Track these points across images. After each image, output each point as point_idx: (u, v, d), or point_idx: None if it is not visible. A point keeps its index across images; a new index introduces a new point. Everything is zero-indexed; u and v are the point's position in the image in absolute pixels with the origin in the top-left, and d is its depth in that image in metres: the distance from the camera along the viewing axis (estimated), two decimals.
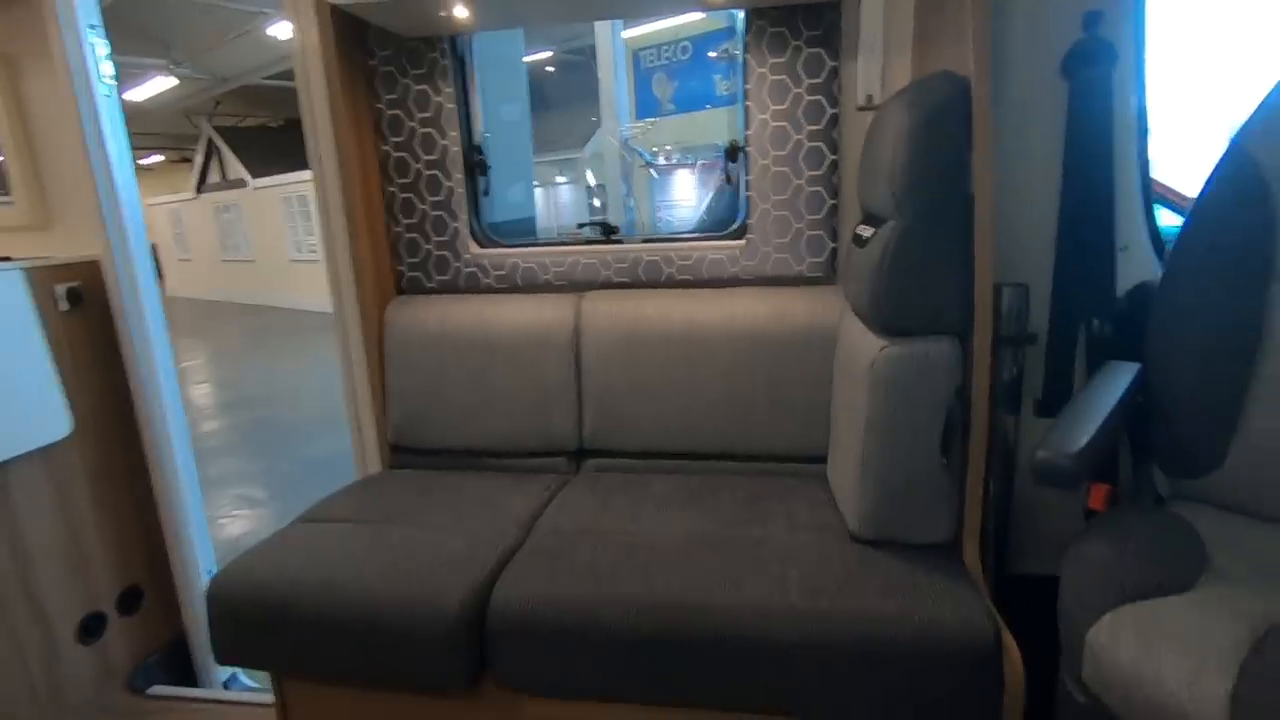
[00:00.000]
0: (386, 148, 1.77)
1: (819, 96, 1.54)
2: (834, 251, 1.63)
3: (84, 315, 1.79)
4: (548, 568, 1.22)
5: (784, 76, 1.55)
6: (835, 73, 1.53)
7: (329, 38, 1.59)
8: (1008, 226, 1.35)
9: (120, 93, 1.84)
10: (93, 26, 1.74)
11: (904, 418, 1.16)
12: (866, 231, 1.23)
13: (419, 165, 1.76)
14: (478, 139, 1.81)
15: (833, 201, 1.59)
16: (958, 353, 1.15)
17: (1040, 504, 1.47)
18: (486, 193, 1.84)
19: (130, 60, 8.35)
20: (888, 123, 1.15)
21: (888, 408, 1.16)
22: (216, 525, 3.47)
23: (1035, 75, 1.33)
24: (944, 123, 1.09)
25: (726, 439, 1.61)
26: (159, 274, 14.68)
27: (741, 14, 1.58)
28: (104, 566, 1.84)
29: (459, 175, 1.76)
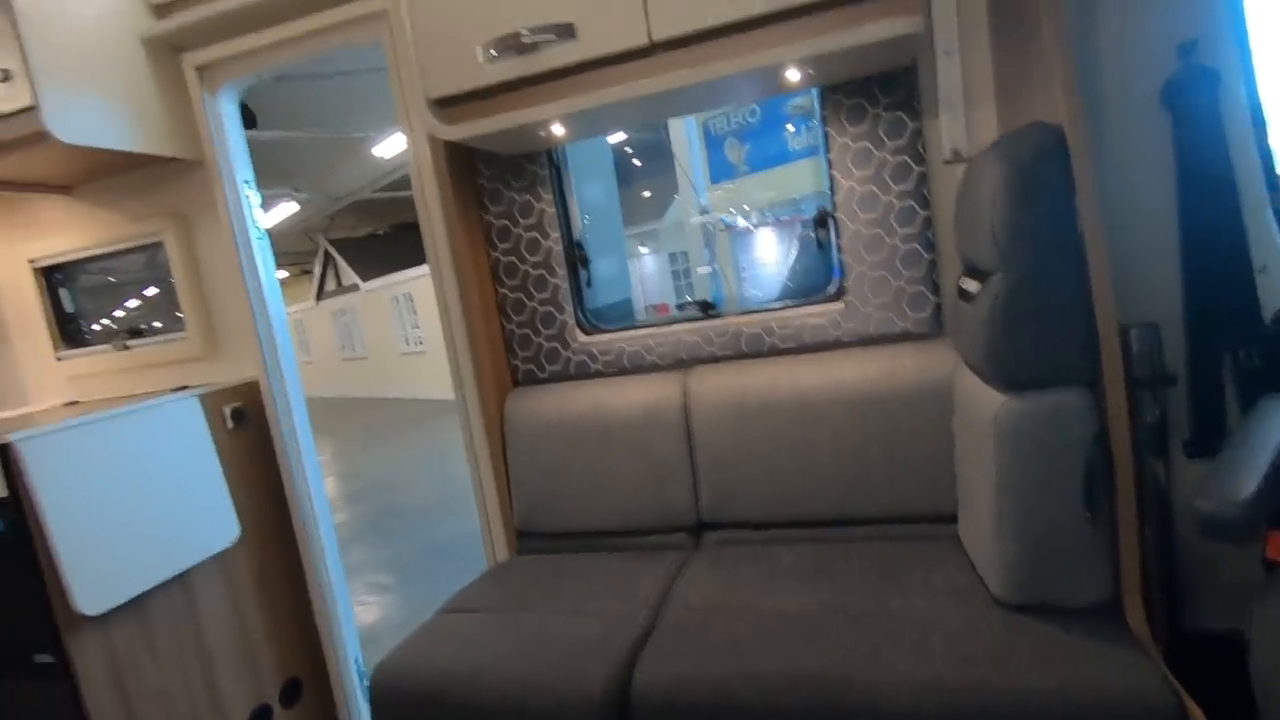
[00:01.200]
0: (496, 254, 1.93)
1: (904, 157, 1.57)
2: (938, 306, 1.62)
3: (246, 431, 2.02)
4: (684, 647, 1.23)
5: (866, 143, 1.59)
6: (918, 132, 1.55)
7: (442, 165, 1.78)
8: (1126, 267, 1.30)
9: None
10: (247, 182, 2.02)
11: (1037, 472, 1.12)
12: (972, 286, 1.23)
13: (526, 267, 1.91)
14: (577, 235, 1.95)
15: (930, 256, 1.59)
16: (1087, 401, 1.10)
17: (1210, 551, 1.35)
18: (589, 284, 1.96)
19: (261, 193, 9.48)
20: (983, 177, 1.16)
21: (1017, 462, 1.12)
22: (359, 612, 3.67)
23: (1133, 111, 1.31)
24: (1040, 173, 1.09)
25: (846, 504, 1.59)
26: None
27: (815, 91, 1.64)
28: (268, 661, 2.00)
29: (562, 271, 1.89)
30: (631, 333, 1.88)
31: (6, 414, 2.15)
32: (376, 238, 15.39)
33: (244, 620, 1.93)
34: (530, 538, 1.87)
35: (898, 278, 1.62)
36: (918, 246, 1.60)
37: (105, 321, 2.31)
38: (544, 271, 1.90)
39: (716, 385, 1.71)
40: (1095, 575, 1.14)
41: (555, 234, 1.87)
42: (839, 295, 1.70)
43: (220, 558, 1.87)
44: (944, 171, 1.57)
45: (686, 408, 1.72)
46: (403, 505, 5.82)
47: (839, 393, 1.59)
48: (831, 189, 1.66)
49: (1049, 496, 1.12)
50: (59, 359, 2.25)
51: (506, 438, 1.88)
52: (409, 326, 12.88)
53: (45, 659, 1.52)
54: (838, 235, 1.67)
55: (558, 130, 1.60)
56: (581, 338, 1.91)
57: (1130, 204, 1.32)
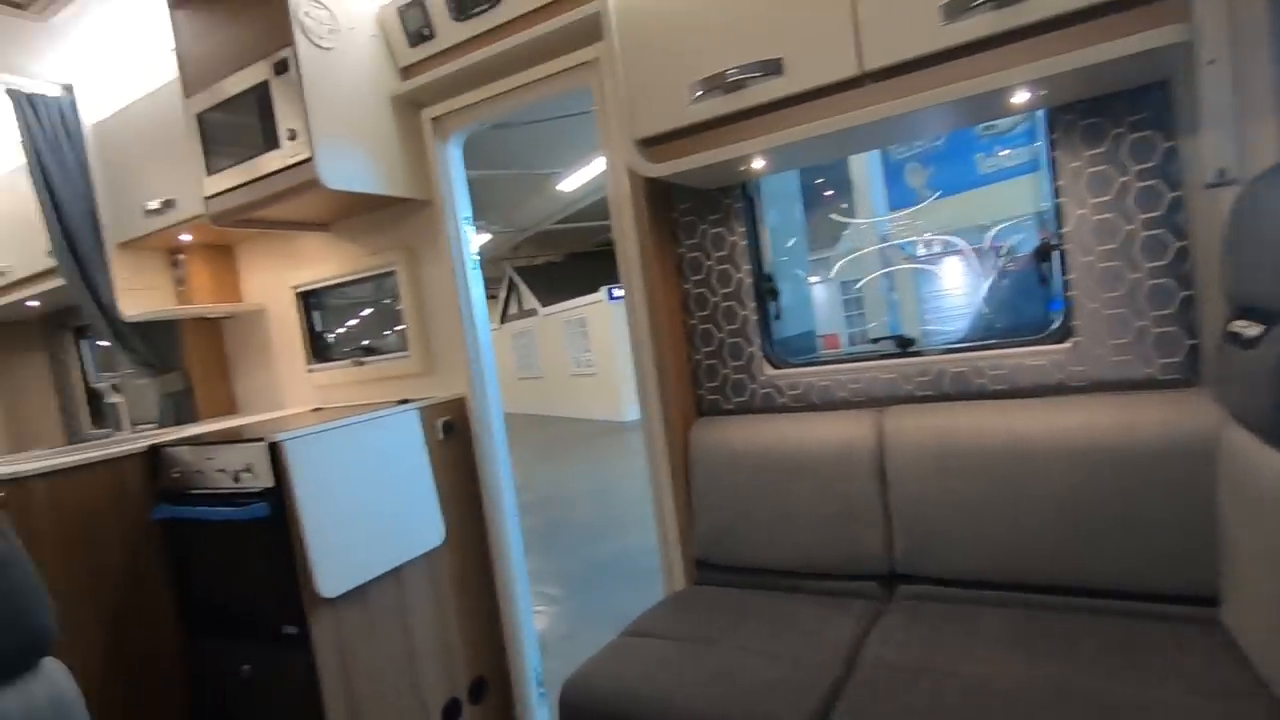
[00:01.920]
0: (687, 286, 1.97)
1: (1153, 181, 1.39)
2: (1193, 349, 1.40)
3: (453, 443, 2.21)
4: (885, 707, 1.15)
5: (1105, 167, 1.43)
6: (1172, 152, 1.37)
7: (640, 199, 1.86)
8: None
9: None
10: (466, 219, 2.25)
11: None
12: (1251, 329, 1.05)
13: (716, 298, 1.93)
14: (767, 268, 1.94)
15: (1186, 293, 1.39)
16: None
17: None
18: (778, 317, 1.94)
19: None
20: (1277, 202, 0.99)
21: None
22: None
23: None
24: None
25: (1068, 570, 1.41)
26: None
27: (1042, 112, 1.51)
28: (461, 658, 2.15)
29: (752, 304, 1.88)
30: (821, 367, 1.82)
31: (269, 416, 2.55)
32: (554, 265, 16.43)
33: (443, 617, 2.10)
34: (710, 569, 1.86)
35: (1141, 317, 1.43)
36: (1169, 281, 1.40)
37: (345, 340, 2.67)
38: (734, 303, 1.91)
39: (916, 427, 1.60)
40: None
41: (746, 266, 1.88)
42: (1065, 335, 1.53)
43: (427, 557, 2.06)
44: (1205, 197, 1.36)
45: (881, 449, 1.63)
46: (571, 519, 6.08)
47: (1062, 444, 1.42)
48: (1058, 218, 1.50)
49: None
50: (309, 371, 2.63)
51: (690, 467, 1.89)
52: (580, 350, 13.56)
53: (291, 630, 1.75)
54: (1064, 268, 1.51)
55: (758, 164, 1.61)
56: (769, 370, 1.89)
57: None
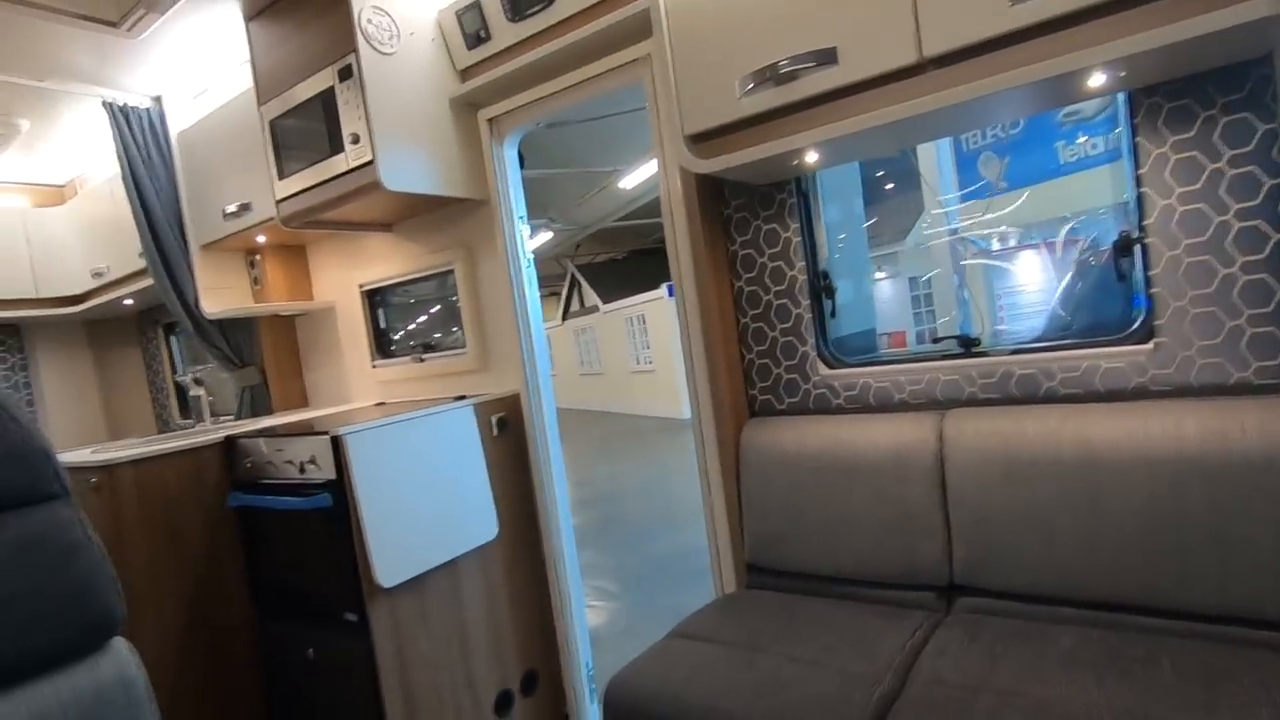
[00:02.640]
0: (740, 283, 1.93)
1: (1250, 168, 1.27)
2: None
3: (507, 439, 2.25)
4: None
5: (1194, 153, 1.32)
6: (1272, 136, 1.25)
7: (692, 196, 1.84)
8: None
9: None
10: (521, 218, 2.27)
11: None
12: None
13: (769, 296, 1.89)
14: (823, 265, 1.88)
15: None
16: None
17: None
18: (834, 315, 1.88)
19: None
20: None
21: None
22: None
23: None
24: None
25: (1147, 589, 1.31)
26: None
27: (1123, 96, 1.41)
28: (513, 651, 2.19)
29: (806, 302, 1.83)
30: (878, 368, 1.76)
31: (335, 410, 2.65)
32: (615, 262, 16.54)
33: (496, 610, 2.14)
34: (760, 572, 1.83)
35: (1234, 315, 1.31)
36: (1266, 277, 1.28)
37: (408, 337, 2.75)
38: (787, 301, 1.86)
39: (980, 431, 1.52)
40: None
41: (800, 263, 1.83)
42: (1146, 335, 1.42)
43: (482, 551, 2.10)
44: None
45: (942, 454, 1.56)
46: (628, 515, 6.10)
47: (1144, 453, 1.32)
48: (1140, 209, 1.40)
49: None
50: (374, 366, 2.72)
51: (741, 468, 1.86)
52: (640, 347, 13.59)
53: (351, 617, 1.81)
54: (1146, 263, 1.40)
55: (812, 158, 1.56)
56: (823, 370, 1.84)
57: None
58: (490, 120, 2.21)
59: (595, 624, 3.78)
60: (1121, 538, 1.33)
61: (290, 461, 1.92)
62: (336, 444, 1.77)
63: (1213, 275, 1.32)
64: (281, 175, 2.17)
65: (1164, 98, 1.34)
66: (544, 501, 2.28)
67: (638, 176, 8.54)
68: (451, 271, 2.41)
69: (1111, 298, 1.53)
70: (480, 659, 2.08)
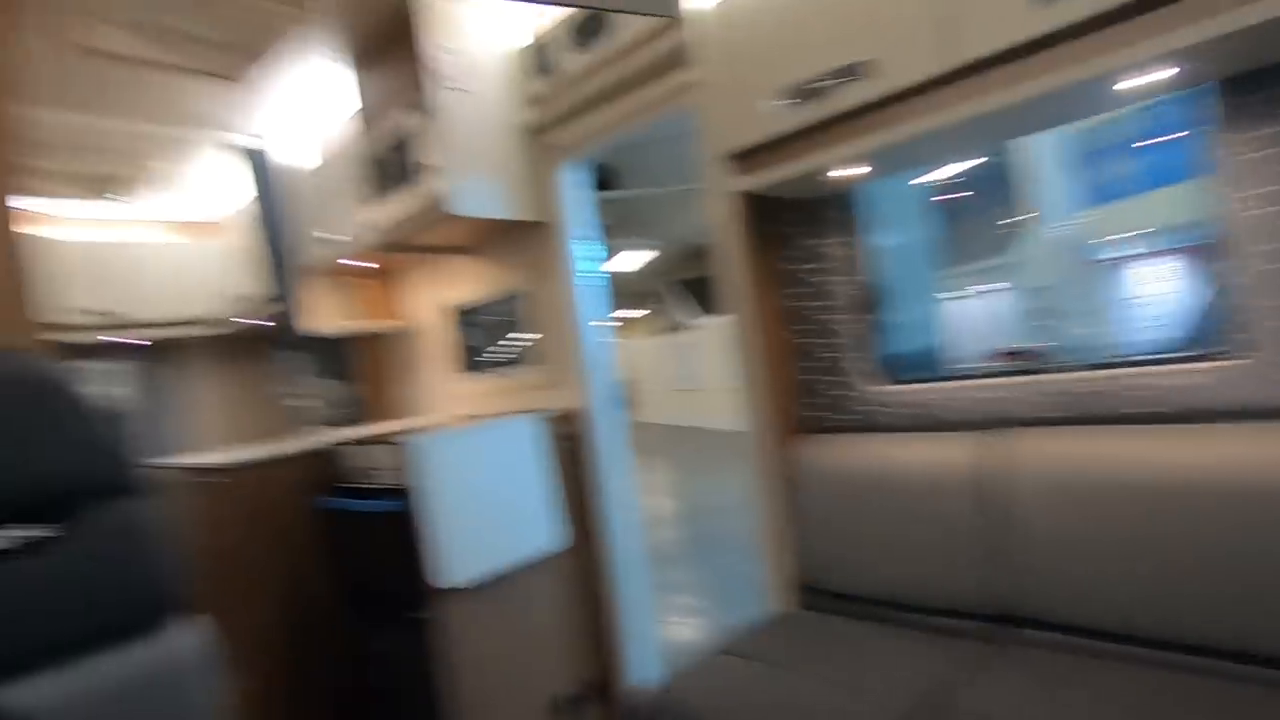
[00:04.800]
0: (790, 300, 1.91)
1: None
2: None
3: (573, 452, 2.32)
4: None
5: (1277, 149, 1.19)
6: None
7: (740, 214, 1.84)
8: None
9: (610, 265, 2.42)
10: (577, 238, 2.36)
11: None
12: None
13: (819, 313, 1.85)
14: (875, 279, 1.83)
15: None
16: None
17: None
18: (888, 330, 1.82)
19: (621, 243, 10.96)
20: None
21: None
22: (667, 629, 3.89)
23: None
24: None
25: (1225, 630, 1.18)
26: (631, 404, 17.99)
27: (1207, 89, 1.28)
28: (576, 661, 2.24)
29: (858, 317, 1.78)
30: (934, 385, 1.68)
31: (419, 421, 2.84)
32: (708, 279, 16.50)
33: (560, 620, 2.21)
34: (813, 592, 1.78)
35: None
36: None
37: (487, 353, 2.90)
38: (838, 317, 1.82)
39: (1043, 453, 1.42)
40: None
41: (852, 278, 1.78)
42: (1232, 351, 1.29)
43: (546, 561, 2.17)
44: None
45: (1001, 476, 1.47)
46: (723, 531, 6.05)
47: (1230, 480, 1.19)
48: (1225, 214, 1.27)
49: None
50: (457, 381, 2.90)
51: (793, 487, 1.83)
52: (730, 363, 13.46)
53: (419, 616, 1.94)
54: (1234, 272, 1.27)
55: (854, 171, 1.54)
56: (879, 387, 1.78)
57: None
58: (555, 146, 2.31)
59: (687, 640, 3.76)
60: (1195, 575, 1.20)
61: (370, 468, 2.08)
62: (407, 452, 1.91)
63: None
64: (369, 205, 2.38)
65: (1253, 87, 1.21)
66: (608, 514, 2.33)
67: None
68: (522, 292, 2.53)
69: (1196, 310, 1.39)
70: (543, 667, 2.15)
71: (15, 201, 1.35)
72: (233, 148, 2.89)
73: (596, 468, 2.34)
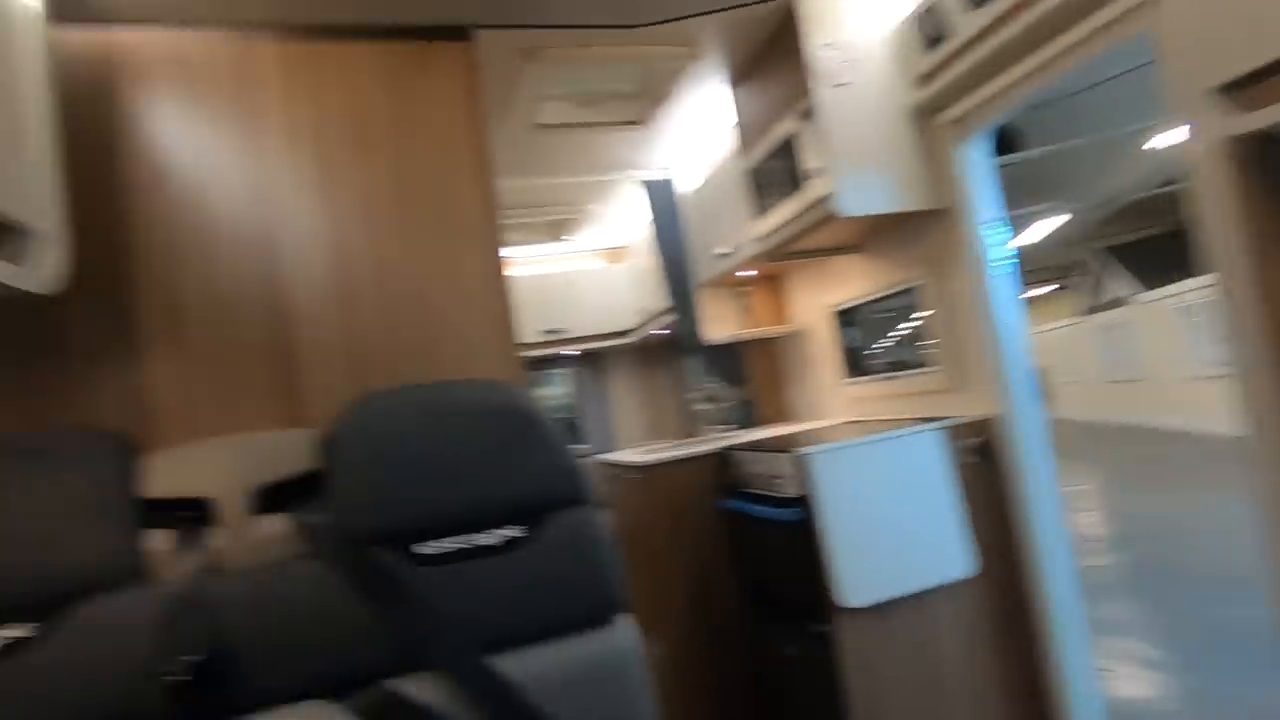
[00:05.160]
0: None
1: None
2: None
3: (984, 467, 2.04)
4: None
5: None
6: None
7: (1234, 162, 1.36)
8: None
9: (1014, 241, 2.07)
10: (993, 222, 2.04)
11: None
12: None
13: None
14: None
15: None
16: None
17: None
18: None
19: (1026, 212, 9.46)
20: None
21: None
22: (1100, 677, 3.20)
23: None
24: None
25: None
26: (1047, 397, 15.43)
27: None
28: (994, 705, 1.96)
29: None
30: None
31: (808, 426, 2.83)
32: (1153, 240, 13.13)
33: (972, 655, 1.96)
34: None
35: None
36: None
37: (876, 355, 2.75)
38: None
39: None
40: None
41: None
42: None
43: (954, 587, 1.95)
44: None
45: None
46: (1183, 562, 4.75)
47: None
48: None
49: None
50: (844, 384, 2.81)
51: None
52: (1204, 344, 10.43)
53: (819, 629, 1.91)
54: None
55: None
56: None
57: None
58: (953, 121, 2.05)
59: (1131, 695, 3.07)
60: None
61: (766, 474, 2.14)
62: (802, 462, 1.90)
63: None
64: (757, 216, 2.45)
65: None
66: (1032, 540, 1.99)
67: (1173, 134, 6.65)
68: (919, 287, 2.32)
69: None
70: (953, 703, 1.93)
71: (503, 252, 1.74)
72: (641, 181, 3.30)
73: (1014, 482, 2.01)
